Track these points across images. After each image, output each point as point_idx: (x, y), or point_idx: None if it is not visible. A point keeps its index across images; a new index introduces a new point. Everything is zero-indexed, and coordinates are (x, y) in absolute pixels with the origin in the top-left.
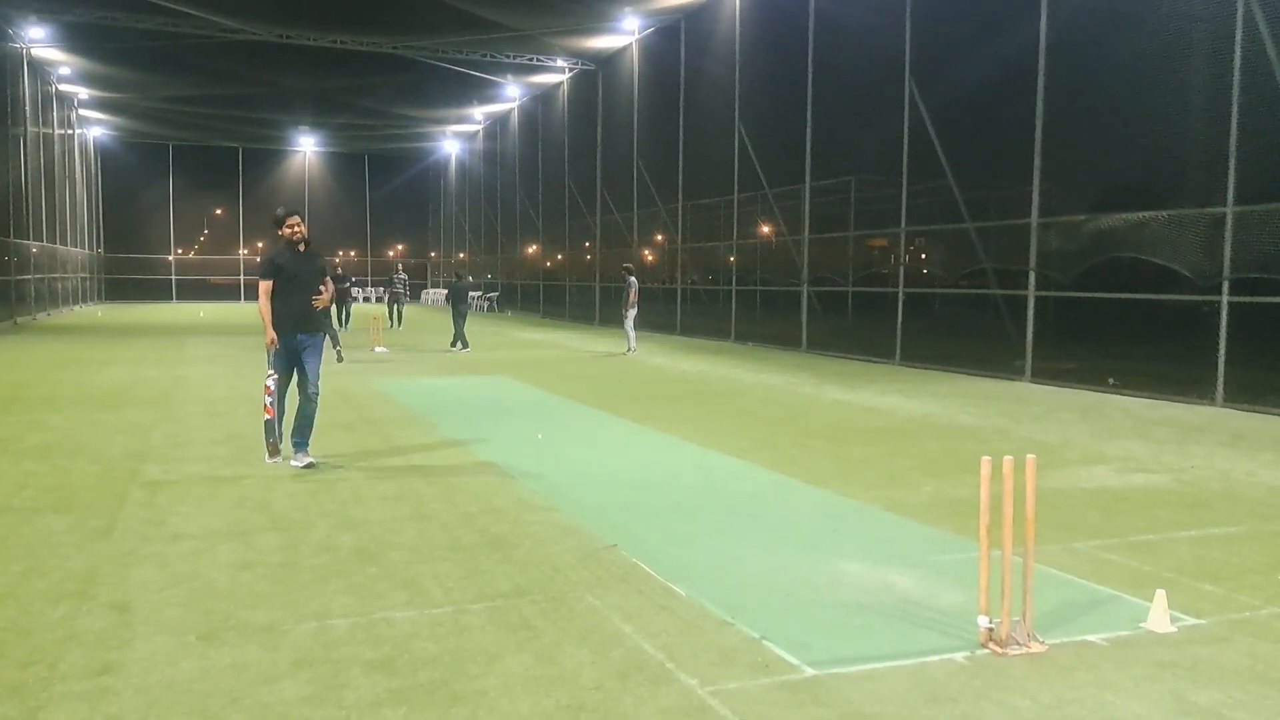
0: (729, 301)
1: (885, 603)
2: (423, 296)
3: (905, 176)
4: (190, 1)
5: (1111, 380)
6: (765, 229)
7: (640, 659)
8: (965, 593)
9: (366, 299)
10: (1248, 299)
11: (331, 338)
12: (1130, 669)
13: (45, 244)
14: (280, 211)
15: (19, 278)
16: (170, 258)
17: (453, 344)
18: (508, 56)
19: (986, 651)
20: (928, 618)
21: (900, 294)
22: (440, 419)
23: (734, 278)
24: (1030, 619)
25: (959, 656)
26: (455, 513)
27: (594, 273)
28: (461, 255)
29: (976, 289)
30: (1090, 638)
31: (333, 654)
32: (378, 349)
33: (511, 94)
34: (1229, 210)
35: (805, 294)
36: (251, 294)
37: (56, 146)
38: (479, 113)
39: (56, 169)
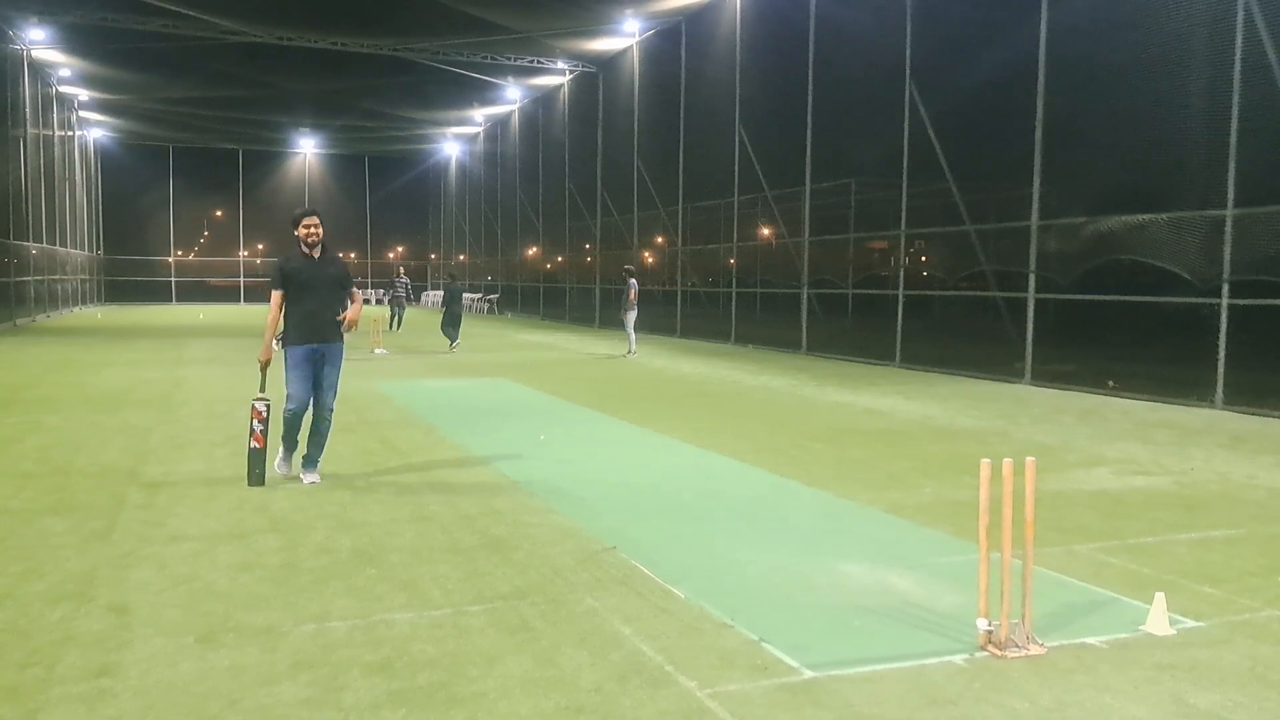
0: (729, 304)
1: (884, 605)
2: (423, 299)
3: (905, 179)
4: (191, 3)
5: (1111, 383)
6: (765, 231)
7: (639, 661)
8: (964, 595)
9: (366, 301)
10: (1247, 301)
11: None
12: (1129, 671)
13: (45, 246)
14: (297, 211)
15: (18, 279)
16: (170, 259)
17: (452, 345)
18: (508, 58)
19: (985, 654)
20: (927, 620)
21: (900, 296)
22: (440, 421)
23: (734, 280)
24: (1029, 621)
25: (958, 659)
26: (454, 515)
27: (594, 275)
28: (461, 257)
29: (976, 291)
30: (1089, 640)
31: (332, 656)
32: (377, 351)
33: (512, 96)
34: (1229, 212)
35: (805, 296)
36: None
37: (56, 148)
38: (479, 115)
39: (56, 171)
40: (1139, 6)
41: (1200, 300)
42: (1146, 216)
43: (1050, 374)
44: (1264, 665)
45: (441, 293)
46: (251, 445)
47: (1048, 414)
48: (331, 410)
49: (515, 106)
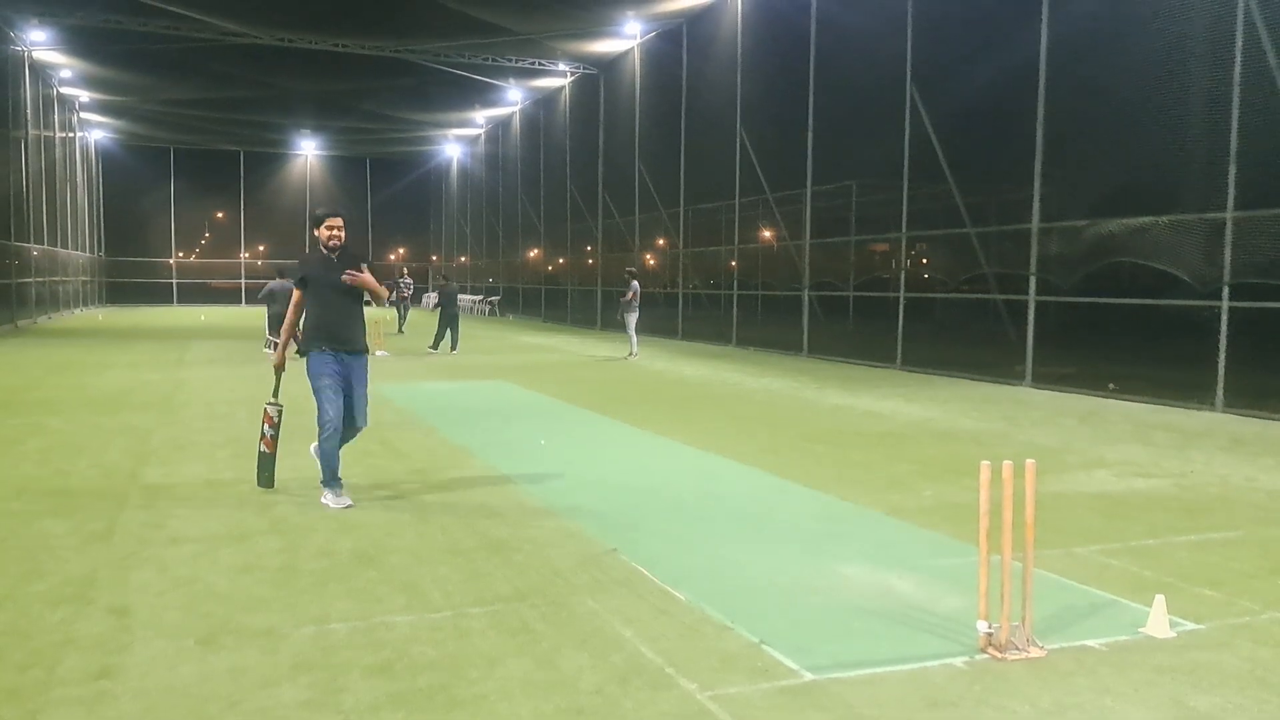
0: (730, 306)
1: (885, 607)
2: (424, 300)
3: (906, 181)
4: (192, 5)
5: (1111, 385)
6: (767, 233)
7: (640, 663)
8: (965, 597)
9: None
10: (1248, 304)
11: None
12: (1130, 674)
13: (46, 247)
14: (319, 211)
15: (20, 281)
16: (171, 261)
17: (453, 348)
18: (509, 60)
19: (986, 656)
20: (927, 622)
21: (901, 299)
22: (441, 423)
23: (735, 282)
24: (1029, 624)
25: (958, 661)
26: (455, 517)
27: (596, 277)
28: (463, 259)
29: (977, 294)
30: (1089, 643)
31: (332, 658)
32: (379, 353)
33: (513, 98)
34: (1229, 215)
35: (806, 298)
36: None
37: (58, 150)
38: (481, 116)
39: (58, 172)
40: (1139, 10)
41: (1201, 303)
42: (1147, 219)
43: (1051, 376)
44: (1264, 668)
45: (436, 295)
46: (260, 449)
47: (1048, 416)
48: (363, 428)
49: (516, 108)
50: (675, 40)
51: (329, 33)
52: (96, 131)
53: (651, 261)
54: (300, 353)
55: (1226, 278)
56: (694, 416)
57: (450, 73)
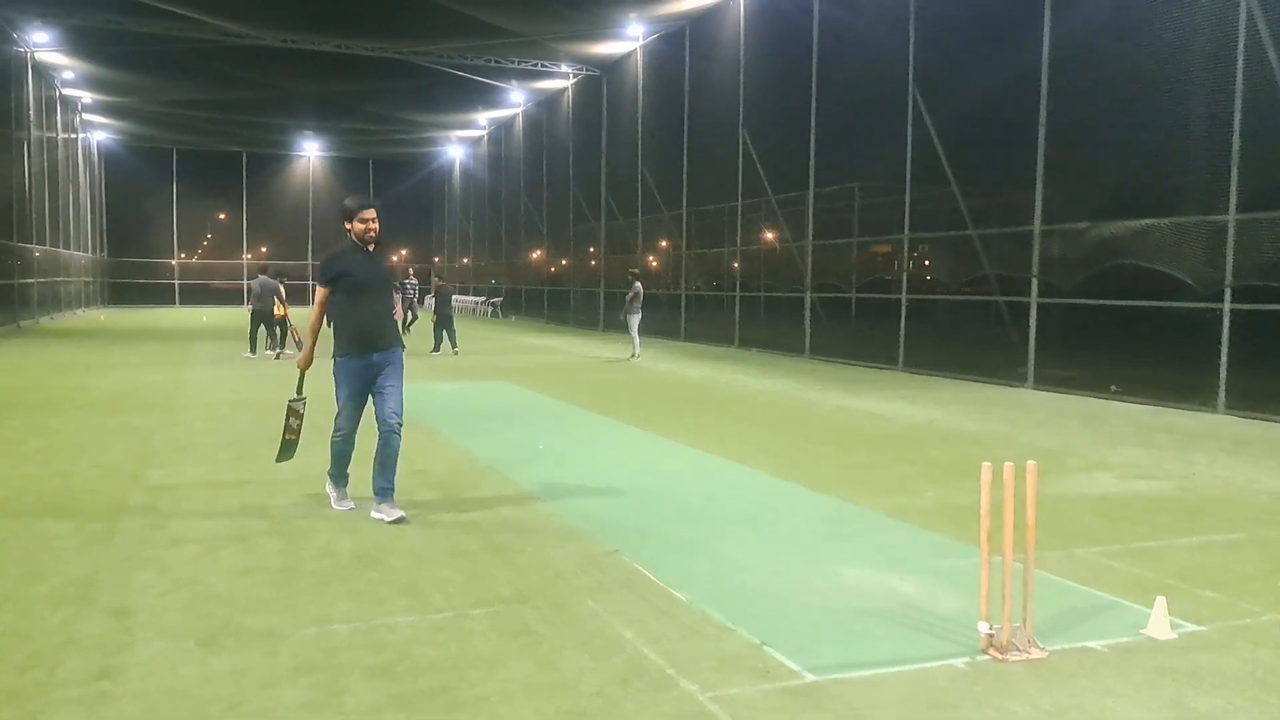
0: (733, 307)
1: (886, 608)
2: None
3: (909, 183)
4: (195, 6)
5: (1114, 387)
6: (769, 235)
7: (641, 665)
8: (966, 598)
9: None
10: (1250, 306)
11: (272, 339)
12: (1131, 675)
13: (48, 248)
14: (351, 202)
15: (22, 281)
16: (174, 262)
17: (454, 348)
18: (512, 62)
19: (987, 657)
20: (929, 623)
21: (903, 300)
22: (443, 424)
23: (738, 283)
24: (1031, 625)
25: (960, 662)
26: (456, 518)
27: (598, 278)
28: (465, 260)
29: (979, 295)
30: (1091, 644)
31: (333, 660)
32: None
33: (516, 99)
34: (1231, 218)
35: (809, 300)
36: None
37: (60, 150)
38: (483, 118)
39: (60, 173)
40: (1141, 13)
41: (1202, 305)
42: (1149, 221)
43: (1053, 378)
44: (1265, 669)
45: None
46: (285, 436)
47: (1050, 418)
48: (399, 424)
49: (519, 110)
50: (678, 42)
51: (332, 34)
52: (99, 133)
53: (654, 263)
54: (335, 357)
55: (1228, 280)
56: (696, 418)
57: (453, 74)
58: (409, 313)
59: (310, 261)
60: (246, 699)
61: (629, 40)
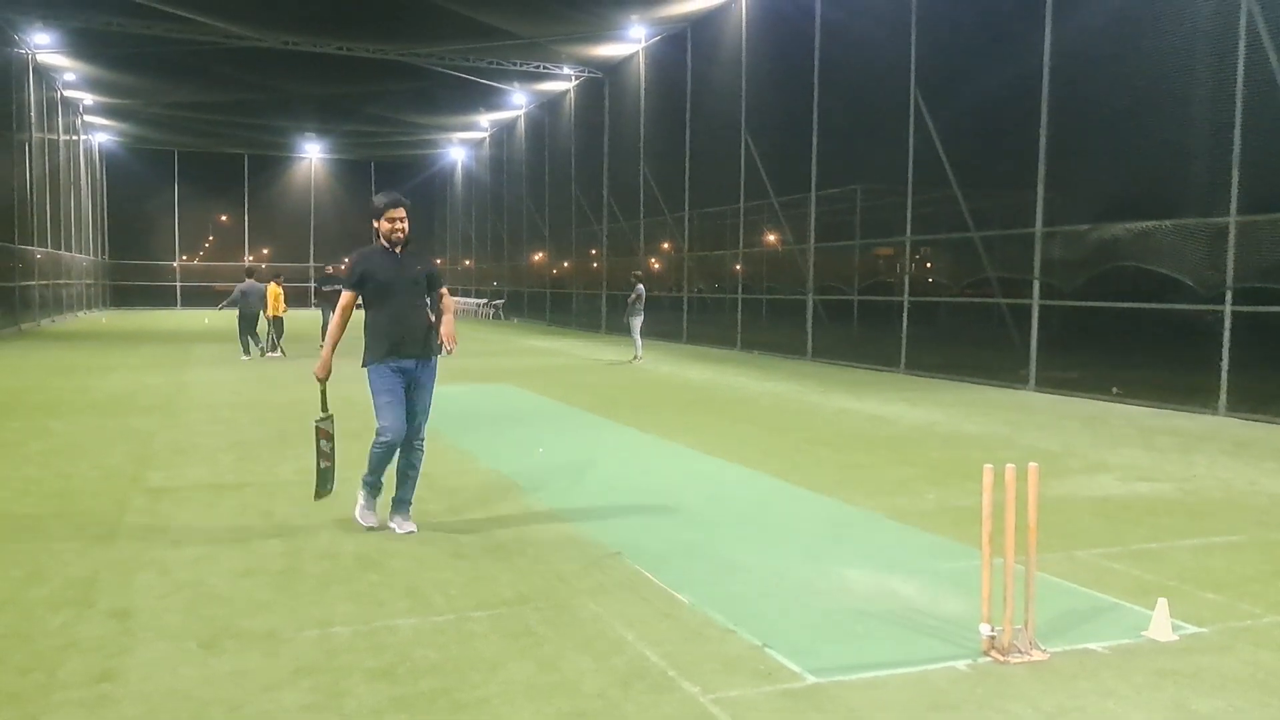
0: (735, 310)
1: (888, 610)
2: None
3: (911, 186)
4: (196, 8)
5: (1115, 389)
6: (771, 238)
7: (642, 667)
8: (968, 600)
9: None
10: (1251, 308)
11: (254, 339)
12: (1132, 677)
13: (50, 250)
14: (381, 200)
15: (23, 283)
16: (175, 264)
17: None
18: (514, 64)
19: (989, 659)
20: (930, 625)
21: (905, 303)
22: (444, 426)
23: (740, 286)
24: (1032, 627)
25: (961, 664)
26: (457, 520)
27: (601, 281)
28: (468, 262)
29: (981, 298)
30: (1092, 646)
31: (334, 662)
32: None
33: (518, 101)
34: (1232, 220)
35: (811, 302)
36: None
37: (61, 152)
38: (485, 120)
39: (61, 175)
40: (1142, 16)
41: (1204, 307)
42: (1150, 223)
43: (1054, 380)
44: (1266, 671)
45: None
46: (319, 466)
47: (1052, 420)
48: (423, 440)
49: (521, 112)
50: (680, 44)
51: (333, 36)
52: (100, 134)
53: (656, 265)
54: (364, 363)
55: (1229, 282)
56: (698, 420)
57: (455, 76)
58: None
59: (311, 264)
60: (247, 701)
61: (631, 42)
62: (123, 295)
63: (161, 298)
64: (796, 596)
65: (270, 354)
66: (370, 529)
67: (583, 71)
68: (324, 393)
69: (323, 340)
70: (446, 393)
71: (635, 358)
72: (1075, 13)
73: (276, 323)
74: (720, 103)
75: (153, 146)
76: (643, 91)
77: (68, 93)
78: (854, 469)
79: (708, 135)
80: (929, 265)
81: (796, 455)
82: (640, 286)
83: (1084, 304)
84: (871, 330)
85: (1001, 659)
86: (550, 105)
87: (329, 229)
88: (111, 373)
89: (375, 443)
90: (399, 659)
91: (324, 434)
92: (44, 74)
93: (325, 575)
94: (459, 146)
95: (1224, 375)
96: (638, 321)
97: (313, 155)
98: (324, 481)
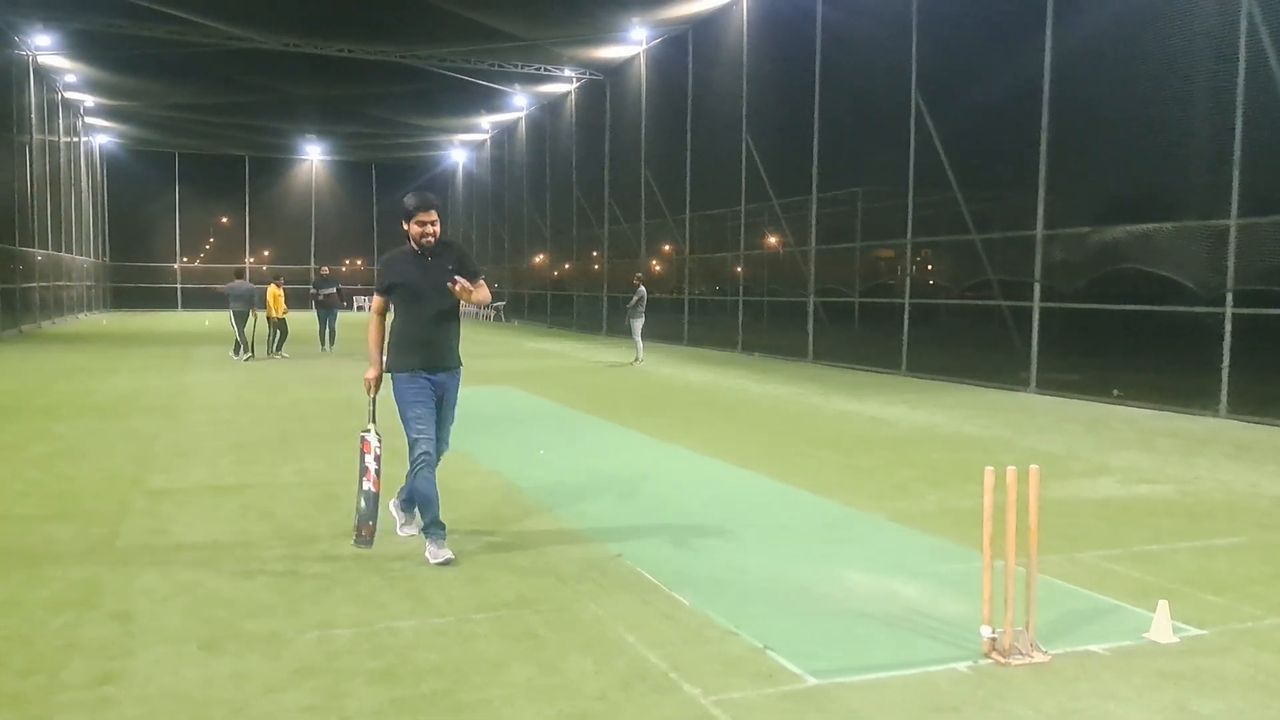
0: (736, 312)
1: (889, 612)
2: None
3: (911, 188)
4: (198, 10)
5: (1116, 391)
6: (772, 240)
7: (644, 668)
8: (969, 602)
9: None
10: (1252, 311)
11: (242, 343)
12: (1133, 679)
13: (50, 252)
14: (410, 201)
15: (24, 285)
16: (176, 266)
17: None
18: (515, 66)
19: (990, 661)
20: (931, 627)
21: (906, 305)
22: None
23: (741, 288)
24: (1033, 629)
25: (962, 666)
26: (458, 522)
27: (601, 283)
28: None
29: (982, 300)
30: (1093, 648)
31: (335, 664)
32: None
33: (519, 104)
34: (1233, 222)
35: (812, 305)
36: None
37: (62, 154)
38: (487, 122)
39: (62, 177)
40: (1143, 18)
41: (1205, 309)
42: (1151, 226)
43: (1055, 383)
44: (1267, 673)
45: None
46: (364, 488)
47: (1053, 422)
48: (446, 450)
49: (522, 114)
50: (681, 47)
51: (334, 38)
52: (101, 136)
53: (657, 267)
54: (386, 370)
55: (1230, 284)
56: (699, 422)
57: (456, 78)
58: None
59: (312, 265)
60: (249, 703)
61: (632, 44)
62: (123, 297)
63: (162, 300)
64: (797, 598)
65: (284, 354)
66: (448, 561)
67: (584, 73)
68: (374, 402)
69: (321, 345)
70: None
71: (636, 360)
72: (1076, 14)
73: (279, 324)
74: (721, 105)
75: (153, 148)
76: (644, 93)
77: (68, 94)
78: (855, 471)
79: (709, 137)
80: (930, 267)
81: (797, 457)
82: (642, 289)
83: (1085, 306)
84: (873, 332)
85: (1002, 661)
86: (551, 107)
87: (330, 231)
88: (113, 375)
89: (412, 475)
90: (400, 661)
91: (367, 446)
92: (45, 76)
93: (326, 577)
94: (460, 148)
95: (1225, 377)
96: (639, 324)
97: (314, 157)
98: (368, 513)
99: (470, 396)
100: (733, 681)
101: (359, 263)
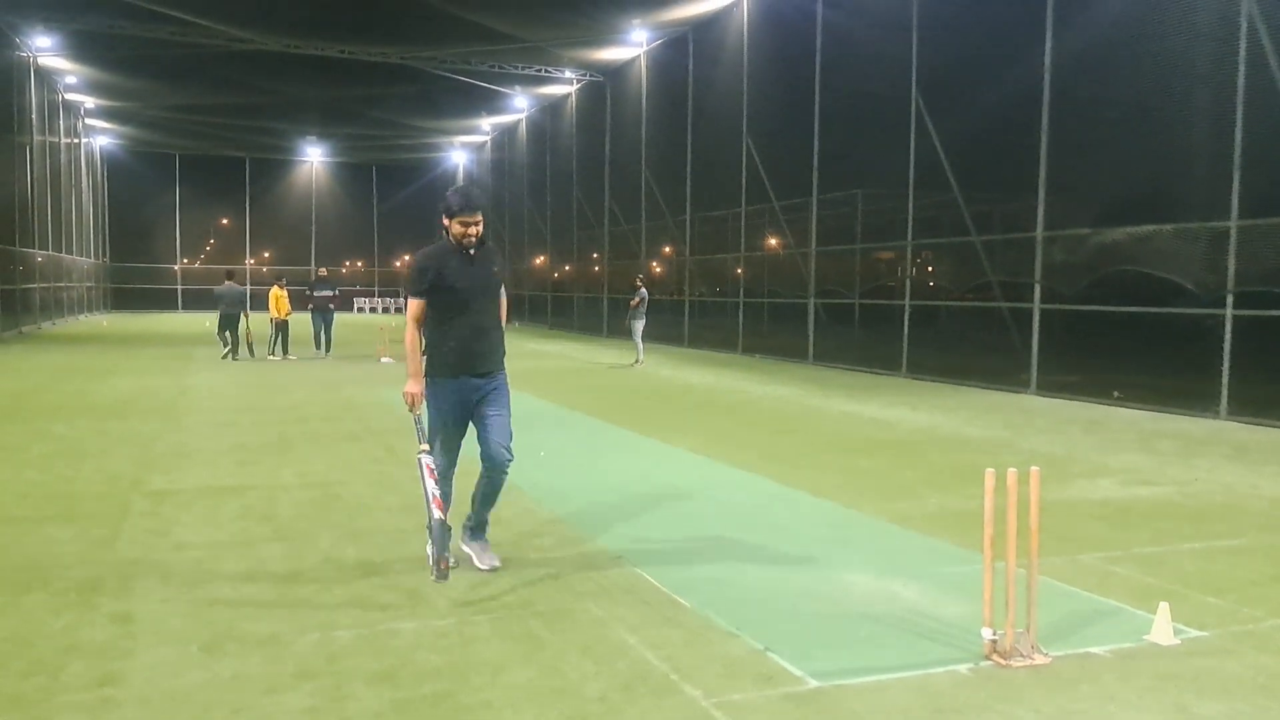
0: (736, 314)
1: (890, 614)
2: None
3: (912, 190)
4: (198, 11)
5: (1116, 393)
6: (773, 241)
7: (645, 670)
8: (969, 604)
9: (374, 309)
10: (1252, 312)
11: (225, 340)
12: (1134, 681)
13: (51, 253)
14: (455, 200)
15: (24, 286)
16: (176, 267)
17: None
18: (516, 68)
19: (990, 663)
20: (932, 629)
21: (906, 306)
22: None
23: (742, 290)
24: (1034, 631)
25: (963, 668)
26: (458, 524)
27: (602, 284)
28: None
29: (982, 302)
30: (1094, 650)
31: (336, 665)
32: (384, 360)
33: (519, 105)
34: (1233, 224)
35: (812, 306)
36: (257, 303)
37: (63, 155)
38: (487, 124)
39: (63, 178)
40: (1143, 20)
41: (1205, 311)
42: (1151, 228)
43: (1056, 384)
44: (1268, 675)
45: None
46: (434, 516)
47: (1053, 424)
48: (510, 458)
49: (523, 116)
50: (681, 48)
51: (335, 39)
52: (101, 137)
53: (658, 269)
54: (426, 375)
55: (1230, 286)
56: (700, 424)
57: (457, 80)
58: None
59: (312, 266)
60: (249, 704)
61: (633, 46)
62: (124, 298)
63: (163, 301)
64: (798, 600)
65: (291, 355)
66: (494, 568)
67: (584, 75)
68: (420, 423)
69: (316, 348)
70: None
71: (637, 361)
72: (1076, 16)
73: (282, 326)
74: (722, 106)
75: (154, 149)
76: (644, 95)
77: (69, 95)
78: (855, 473)
79: (709, 139)
80: (930, 269)
81: (797, 459)
82: (643, 290)
83: (1085, 308)
84: (873, 334)
85: (1003, 663)
86: (552, 109)
87: (330, 231)
88: (113, 376)
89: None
90: (401, 663)
91: (429, 470)
92: (45, 77)
93: (327, 579)
94: (460, 150)
95: (1225, 379)
96: (639, 325)
97: (314, 158)
98: (441, 543)
99: None
100: (734, 683)
101: (359, 264)
